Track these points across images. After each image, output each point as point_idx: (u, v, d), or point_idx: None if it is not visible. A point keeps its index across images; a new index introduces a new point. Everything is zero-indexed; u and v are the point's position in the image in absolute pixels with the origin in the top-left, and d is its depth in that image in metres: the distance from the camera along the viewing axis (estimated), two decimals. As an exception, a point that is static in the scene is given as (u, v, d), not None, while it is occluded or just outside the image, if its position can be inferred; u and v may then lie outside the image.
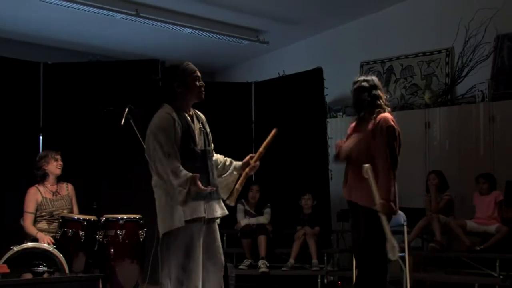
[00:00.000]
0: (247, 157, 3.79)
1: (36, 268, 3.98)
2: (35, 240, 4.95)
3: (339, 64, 7.88)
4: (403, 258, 5.26)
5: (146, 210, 5.03)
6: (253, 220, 6.77)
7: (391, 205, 4.08)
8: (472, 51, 6.99)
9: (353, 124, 4.45)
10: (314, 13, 7.90)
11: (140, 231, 5.12)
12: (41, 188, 5.25)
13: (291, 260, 6.51)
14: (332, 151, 7.08)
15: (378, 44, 8.03)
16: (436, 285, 6.38)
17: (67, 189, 5.39)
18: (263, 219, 6.79)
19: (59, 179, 5.39)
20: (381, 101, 4.25)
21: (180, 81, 3.54)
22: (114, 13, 7.10)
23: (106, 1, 6.91)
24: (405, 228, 5.26)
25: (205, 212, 3.49)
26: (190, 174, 3.35)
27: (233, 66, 9.70)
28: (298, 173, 7.18)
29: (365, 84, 4.29)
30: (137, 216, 5.18)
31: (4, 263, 4.39)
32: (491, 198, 6.07)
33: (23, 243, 4.83)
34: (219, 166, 3.75)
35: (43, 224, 5.16)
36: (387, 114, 4.21)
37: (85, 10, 6.96)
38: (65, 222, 5.03)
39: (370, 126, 4.21)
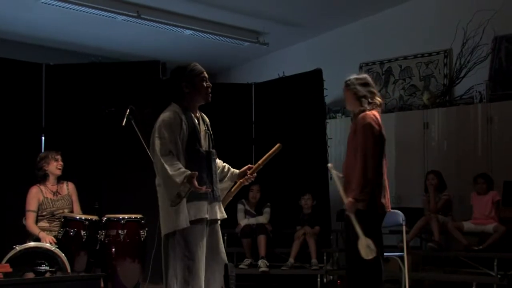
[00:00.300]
0: (245, 168, 3.80)
1: (38, 267, 3.98)
2: (37, 239, 4.98)
3: (339, 65, 7.89)
4: (401, 257, 5.28)
5: (147, 210, 5.09)
6: (252, 220, 6.80)
7: (358, 204, 3.99)
8: (470, 52, 7.04)
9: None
10: (314, 15, 7.94)
11: (142, 231, 5.14)
12: (42, 187, 5.28)
13: (291, 260, 6.54)
14: (331, 151, 7.16)
15: (377, 45, 8.06)
16: (435, 285, 6.40)
17: (67, 188, 5.41)
18: (262, 218, 6.82)
19: (60, 179, 5.42)
20: (366, 99, 4.15)
21: (188, 81, 3.56)
22: (115, 15, 7.14)
23: (107, 3, 6.94)
24: (404, 228, 5.27)
25: (207, 213, 3.51)
26: (188, 171, 3.35)
27: (233, 67, 9.74)
28: (298, 173, 7.21)
29: (349, 81, 4.24)
30: (139, 216, 5.20)
31: (6, 262, 4.41)
32: (489, 198, 6.11)
33: (25, 243, 4.86)
34: (218, 171, 3.75)
35: (44, 223, 5.19)
36: (368, 113, 4.10)
37: (86, 12, 6.99)
38: (67, 222, 5.05)
39: (353, 126, 4.21)
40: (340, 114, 8.07)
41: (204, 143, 3.60)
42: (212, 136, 3.72)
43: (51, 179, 5.35)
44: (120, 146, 6.20)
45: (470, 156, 6.76)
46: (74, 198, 5.43)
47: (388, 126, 7.29)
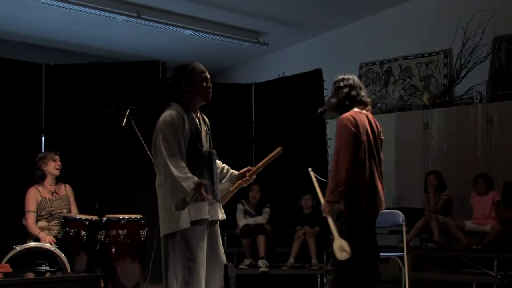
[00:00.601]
0: (245, 169, 3.77)
1: (38, 267, 3.98)
2: (37, 239, 4.99)
3: (339, 66, 7.86)
4: (401, 257, 5.29)
5: (147, 210, 5.08)
6: (251, 220, 6.80)
7: (333, 205, 4.00)
8: (470, 52, 7.04)
9: None
10: (314, 15, 7.94)
11: (141, 231, 5.15)
12: (40, 188, 5.29)
13: (291, 260, 6.54)
14: (331, 152, 7.15)
15: (377, 45, 8.07)
16: (435, 285, 6.41)
17: (65, 189, 5.43)
18: (261, 219, 6.82)
19: (58, 179, 5.43)
20: (348, 102, 4.13)
21: (187, 80, 3.53)
22: (115, 15, 7.15)
23: (107, 3, 6.95)
24: (404, 228, 5.27)
25: (208, 214, 3.50)
26: (196, 178, 3.31)
27: (233, 68, 9.74)
28: (298, 173, 7.20)
29: (336, 85, 4.23)
30: (138, 216, 5.21)
31: (6, 262, 4.41)
32: (489, 198, 6.12)
33: (26, 243, 4.87)
34: (217, 171, 3.73)
35: (43, 223, 5.20)
36: (346, 114, 4.07)
37: (86, 12, 7.00)
38: (67, 222, 5.06)
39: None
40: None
41: (205, 144, 3.59)
42: (211, 137, 3.72)
43: (49, 179, 5.36)
44: (120, 146, 6.20)
45: (470, 156, 6.76)
46: (72, 199, 5.44)
47: (388, 126, 7.35)
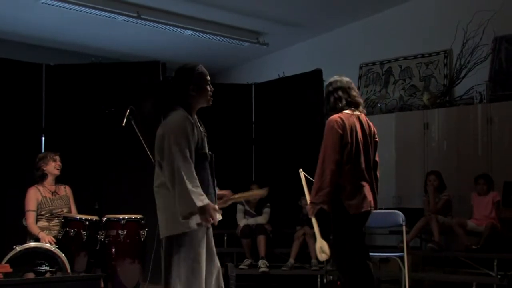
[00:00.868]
0: (225, 192, 3.72)
1: (38, 267, 3.98)
2: (37, 239, 4.99)
3: (339, 66, 7.89)
4: (401, 258, 5.29)
5: (147, 210, 5.08)
6: (251, 221, 6.80)
7: (317, 206, 4.01)
8: (470, 53, 7.04)
9: None
10: (314, 15, 7.95)
11: (141, 231, 5.15)
12: (40, 188, 5.30)
13: (291, 260, 6.54)
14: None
15: (377, 46, 8.07)
16: (435, 285, 6.41)
17: (65, 190, 5.44)
18: (261, 219, 6.82)
19: (58, 180, 5.43)
20: (338, 104, 4.14)
21: (196, 84, 3.51)
22: (115, 15, 7.15)
23: (107, 3, 6.95)
24: (404, 228, 5.28)
25: None
26: (208, 201, 3.31)
27: (233, 68, 9.75)
28: (297, 174, 7.20)
29: (326, 91, 4.25)
30: (138, 216, 5.21)
31: (6, 262, 4.41)
32: (489, 198, 6.12)
33: (26, 243, 4.87)
34: None
35: (43, 222, 5.20)
36: (334, 116, 4.09)
37: (86, 12, 7.01)
38: (67, 222, 5.06)
39: None
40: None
41: (206, 146, 3.60)
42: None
43: (49, 179, 5.36)
44: (120, 147, 6.20)
45: (470, 156, 6.76)
46: (71, 200, 5.45)
47: (388, 126, 7.37)
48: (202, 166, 3.48)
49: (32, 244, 4.86)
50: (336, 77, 4.23)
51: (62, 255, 4.76)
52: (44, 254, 4.65)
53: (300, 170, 4.47)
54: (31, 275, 3.99)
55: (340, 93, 4.16)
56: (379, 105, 7.88)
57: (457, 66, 7.24)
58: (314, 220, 4.10)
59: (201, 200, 3.28)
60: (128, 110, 5.11)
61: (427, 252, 6.30)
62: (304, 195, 6.73)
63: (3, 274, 3.87)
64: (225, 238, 7.10)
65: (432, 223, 6.15)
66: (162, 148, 3.38)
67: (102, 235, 5.09)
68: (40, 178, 5.34)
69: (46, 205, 5.24)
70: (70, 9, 6.90)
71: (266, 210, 6.88)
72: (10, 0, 6.87)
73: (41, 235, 5.01)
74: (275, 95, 7.62)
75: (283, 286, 6.75)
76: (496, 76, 6.93)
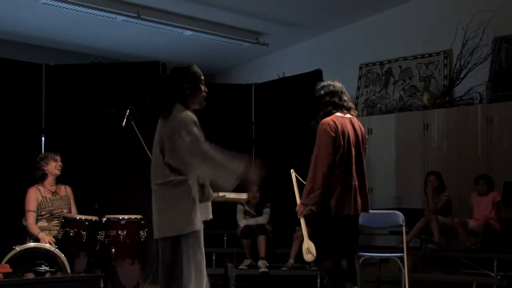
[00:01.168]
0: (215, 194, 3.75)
1: (38, 268, 3.98)
2: (37, 240, 4.98)
3: (339, 66, 7.92)
4: (401, 258, 5.29)
5: (147, 210, 5.07)
6: (251, 221, 6.80)
7: (307, 207, 4.10)
8: (470, 53, 7.05)
9: None
10: (314, 15, 7.95)
11: (141, 231, 5.14)
12: (40, 188, 5.30)
13: (291, 260, 6.54)
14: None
15: (377, 46, 8.07)
16: (435, 285, 6.41)
17: (65, 190, 5.44)
18: (262, 219, 6.81)
19: (58, 180, 5.43)
20: (330, 108, 4.16)
21: (190, 83, 3.53)
22: (115, 15, 7.16)
23: (107, 3, 6.96)
24: (404, 229, 5.28)
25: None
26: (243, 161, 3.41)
27: (233, 68, 9.75)
28: (298, 174, 7.20)
29: (317, 94, 4.25)
30: (138, 216, 5.20)
31: (6, 262, 4.41)
32: (489, 199, 6.13)
33: (25, 243, 4.87)
34: None
35: (43, 223, 5.20)
36: (326, 119, 4.10)
37: (86, 12, 7.01)
38: (67, 222, 5.05)
39: None
40: (340, 115, 8.07)
41: None
42: None
43: (50, 180, 5.36)
44: (120, 147, 6.20)
45: (470, 156, 6.77)
46: (72, 201, 5.45)
47: (388, 126, 7.38)
48: None
49: (32, 244, 4.86)
50: (329, 81, 4.27)
51: (62, 255, 4.76)
52: (44, 254, 4.65)
53: (292, 170, 4.49)
54: (31, 275, 3.99)
55: (332, 97, 4.18)
56: (379, 105, 7.88)
57: (457, 67, 7.24)
58: (302, 221, 4.16)
59: (240, 162, 3.40)
60: (128, 110, 5.11)
61: (427, 253, 6.30)
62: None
63: (3, 274, 3.87)
64: (225, 238, 7.09)
65: (432, 224, 6.15)
66: (174, 142, 3.37)
67: (102, 235, 5.08)
68: (40, 178, 5.34)
69: (46, 206, 5.24)
70: (70, 9, 6.91)
71: (266, 211, 6.88)
72: (10, 0, 6.88)
73: (41, 235, 5.01)
74: (275, 96, 7.63)
75: (283, 287, 6.75)
76: (496, 76, 6.93)
